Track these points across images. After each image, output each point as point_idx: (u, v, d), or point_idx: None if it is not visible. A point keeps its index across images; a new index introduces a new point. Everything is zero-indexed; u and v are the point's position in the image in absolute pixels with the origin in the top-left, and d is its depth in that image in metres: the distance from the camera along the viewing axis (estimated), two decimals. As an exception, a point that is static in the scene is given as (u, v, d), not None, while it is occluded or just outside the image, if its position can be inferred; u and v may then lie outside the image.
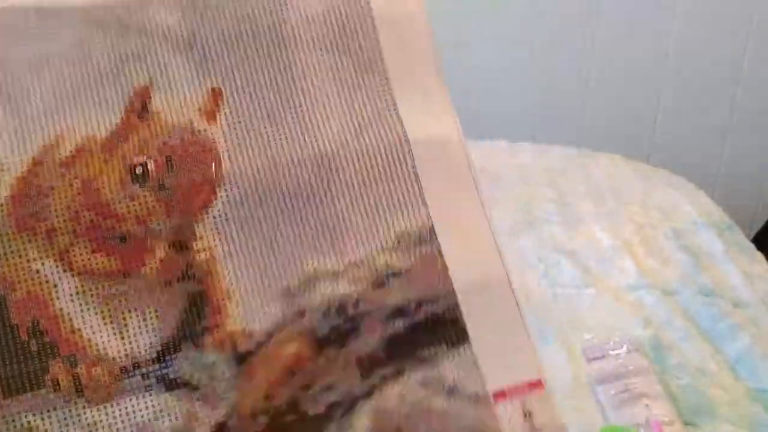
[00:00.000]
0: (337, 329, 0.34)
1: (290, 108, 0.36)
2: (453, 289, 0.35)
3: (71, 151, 0.34)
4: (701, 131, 1.39)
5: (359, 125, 0.36)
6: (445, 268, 0.36)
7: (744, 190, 1.42)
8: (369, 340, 0.34)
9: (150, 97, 0.35)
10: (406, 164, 0.36)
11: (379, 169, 0.36)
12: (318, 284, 0.34)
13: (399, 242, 0.36)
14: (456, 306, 0.35)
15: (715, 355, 0.72)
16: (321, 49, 0.36)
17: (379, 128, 0.36)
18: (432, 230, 0.36)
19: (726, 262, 0.85)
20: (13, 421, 0.31)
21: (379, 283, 0.35)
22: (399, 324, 0.34)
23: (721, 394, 0.67)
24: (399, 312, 0.35)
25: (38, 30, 0.34)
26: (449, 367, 0.35)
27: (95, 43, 0.35)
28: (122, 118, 0.34)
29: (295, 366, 0.33)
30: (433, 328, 0.35)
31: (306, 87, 0.36)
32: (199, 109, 0.35)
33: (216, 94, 0.35)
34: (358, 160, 0.36)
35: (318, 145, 0.36)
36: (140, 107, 0.35)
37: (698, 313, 0.77)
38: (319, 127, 0.36)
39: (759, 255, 0.90)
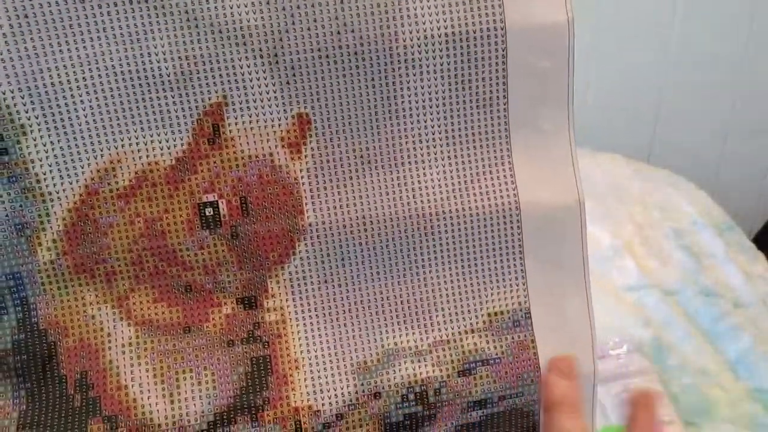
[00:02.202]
0: (413, 416, 0.30)
1: (389, 149, 0.29)
2: (539, 382, 0.31)
3: (130, 180, 0.28)
4: (701, 131, 1.39)
5: (466, 179, 0.30)
6: (536, 359, 0.31)
7: (744, 190, 1.42)
8: (442, 429, 0.30)
9: (223, 119, 0.28)
10: (513, 234, 0.30)
11: (480, 236, 0.30)
12: (398, 362, 0.30)
13: (491, 323, 0.31)
14: (537, 401, 0.31)
15: (715, 355, 0.73)
16: (435, 76, 0.29)
17: (489, 185, 0.30)
18: (528, 313, 0.31)
19: (726, 262, 0.86)
20: None
21: (466, 369, 0.30)
22: (476, 414, 0.30)
23: (721, 394, 0.68)
24: (480, 403, 0.30)
25: (84, 18, 0.27)
26: None
27: (156, 37, 0.27)
28: (189, 143, 0.28)
29: None
30: (508, 420, 0.31)
31: (410, 124, 0.29)
32: (282, 139, 0.29)
33: (303, 123, 0.29)
34: (459, 223, 0.30)
35: (416, 200, 0.30)
36: (211, 131, 0.28)
37: (698, 313, 0.78)
38: (420, 177, 0.30)
39: (759, 255, 0.90)
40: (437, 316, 0.31)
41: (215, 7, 0.27)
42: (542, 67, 0.30)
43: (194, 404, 0.29)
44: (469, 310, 0.31)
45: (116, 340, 0.29)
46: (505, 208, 0.30)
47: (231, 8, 0.27)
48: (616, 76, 1.35)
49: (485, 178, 0.30)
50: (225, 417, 0.29)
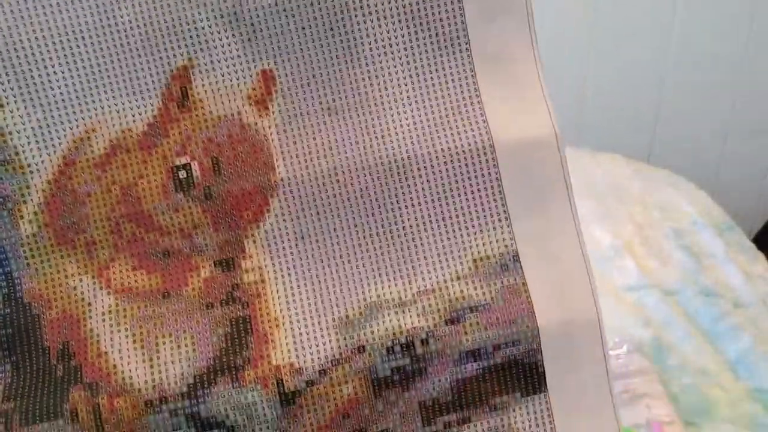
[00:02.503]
0: (401, 370, 0.29)
1: (354, 97, 0.29)
2: (537, 329, 0.29)
3: (105, 148, 0.29)
4: (701, 131, 1.39)
5: (435, 121, 0.29)
6: (530, 304, 0.29)
7: (744, 190, 1.42)
8: (435, 384, 0.29)
9: (190, 81, 0.29)
10: (490, 174, 0.29)
11: (456, 179, 0.29)
12: (382, 315, 0.29)
13: (477, 269, 0.29)
14: (538, 350, 0.29)
15: (715, 355, 0.72)
16: (393, 21, 0.29)
17: (459, 126, 0.29)
18: (516, 257, 0.30)
19: (726, 262, 0.85)
20: None
21: (453, 317, 0.29)
22: (471, 367, 0.29)
23: (721, 394, 0.67)
24: (473, 354, 0.29)
25: None
26: (521, 418, 0.29)
27: (122, 6, 0.29)
28: (160, 108, 0.29)
29: (348, 411, 0.29)
30: (508, 373, 0.29)
31: (374, 70, 0.29)
32: (249, 97, 0.29)
33: (267, 78, 0.29)
34: (432, 166, 0.29)
35: (386, 147, 0.29)
36: (180, 94, 0.29)
37: (698, 313, 0.77)
38: (388, 123, 0.29)
39: (759, 255, 0.90)
40: (420, 265, 0.30)
41: None
42: (501, 6, 0.29)
43: (174, 368, 0.29)
44: (453, 257, 0.30)
45: (96, 309, 0.29)
46: (478, 147, 0.30)
47: None
48: (616, 76, 1.35)
49: (455, 119, 0.30)
50: (205, 378, 0.28)
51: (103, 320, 0.29)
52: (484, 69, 0.30)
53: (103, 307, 0.29)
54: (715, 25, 1.31)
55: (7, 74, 0.28)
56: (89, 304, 0.29)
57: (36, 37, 0.28)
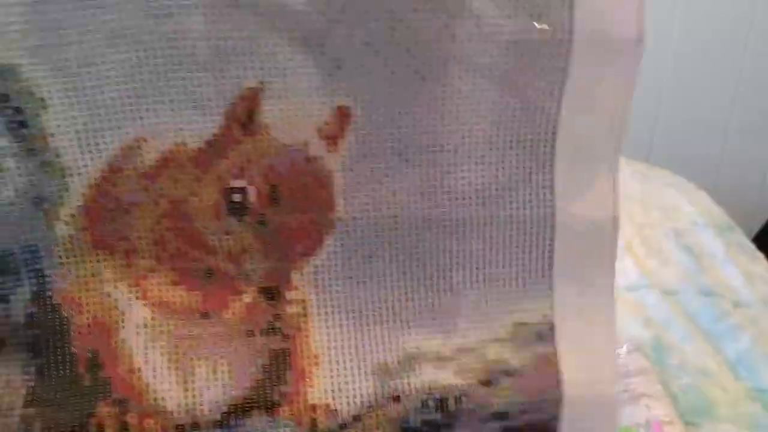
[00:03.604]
0: (431, 423, 0.29)
1: (429, 149, 0.28)
2: (562, 400, 0.30)
3: (156, 160, 0.27)
4: (701, 131, 1.40)
5: (504, 186, 0.29)
6: (559, 376, 0.30)
7: (744, 190, 1.42)
8: None
9: (259, 105, 0.27)
10: (544, 246, 0.29)
11: (511, 245, 0.29)
12: (419, 367, 0.29)
13: (515, 334, 0.30)
14: (557, 418, 0.30)
15: (715, 355, 0.73)
16: (488, 80, 0.27)
17: (525, 195, 0.29)
18: (552, 327, 0.30)
19: (726, 263, 0.86)
20: None
21: (488, 380, 0.29)
22: (494, 426, 0.30)
23: (721, 394, 0.68)
24: (500, 416, 0.30)
25: None
26: None
27: (192, 14, 0.26)
28: (222, 128, 0.27)
29: None
30: None
31: (455, 126, 0.28)
32: (319, 130, 0.27)
33: (343, 115, 0.27)
34: (491, 230, 0.29)
35: (450, 204, 0.28)
36: (246, 117, 0.27)
37: (698, 313, 0.78)
38: (457, 180, 0.28)
39: (759, 255, 0.89)
40: (461, 322, 0.30)
41: None
42: (600, 82, 0.28)
43: (209, 393, 0.28)
44: (493, 319, 0.30)
45: (131, 320, 0.28)
46: (539, 219, 0.29)
47: None
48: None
49: (523, 187, 0.29)
50: (240, 409, 0.28)
51: (137, 333, 0.28)
52: (563, 145, 0.28)
53: (137, 319, 0.28)
54: (715, 25, 1.32)
55: (53, 75, 0.26)
56: (123, 313, 0.28)
57: (89, 39, 0.26)
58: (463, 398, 0.29)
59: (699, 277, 0.85)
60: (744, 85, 1.36)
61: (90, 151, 0.27)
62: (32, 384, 0.28)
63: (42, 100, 0.26)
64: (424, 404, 0.29)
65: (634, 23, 0.27)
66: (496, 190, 0.29)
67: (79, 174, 0.27)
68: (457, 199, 0.29)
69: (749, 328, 0.76)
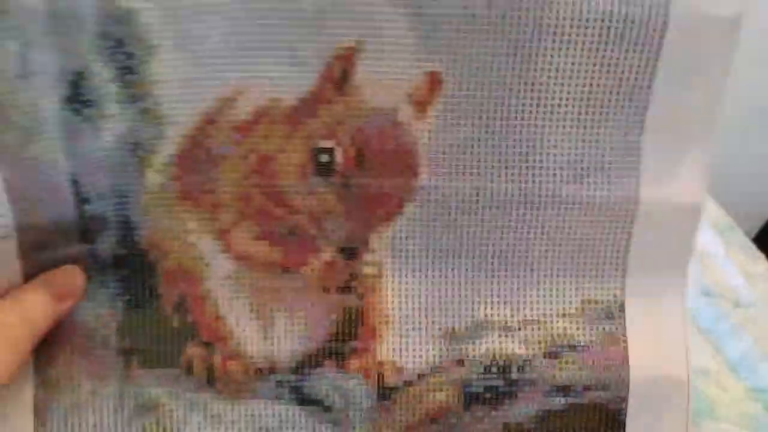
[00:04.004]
0: (494, 390, 0.30)
1: (517, 121, 0.28)
2: (628, 380, 0.30)
3: (249, 114, 0.28)
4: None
5: (590, 166, 0.28)
6: (626, 354, 0.30)
7: (744, 190, 1.45)
8: (522, 410, 0.30)
9: (354, 65, 0.27)
10: (623, 229, 0.29)
11: (590, 225, 0.29)
12: (486, 335, 0.30)
13: (583, 310, 0.30)
14: (624, 399, 0.30)
15: (715, 355, 0.74)
16: (582, 54, 0.27)
17: (611, 177, 0.28)
18: (622, 307, 0.30)
19: (727, 263, 0.87)
20: (143, 393, 0.30)
21: (552, 351, 0.30)
22: (559, 401, 0.30)
23: (721, 394, 0.69)
24: (563, 389, 0.30)
25: None
26: None
27: None
28: (316, 85, 0.27)
29: (438, 416, 0.30)
30: (592, 414, 0.31)
31: (544, 99, 0.28)
32: (409, 95, 0.28)
33: (434, 81, 0.27)
34: (572, 209, 0.29)
35: (534, 179, 0.28)
36: (340, 76, 0.27)
37: (698, 313, 0.79)
38: (542, 155, 0.28)
39: (759, 255, 0.86)
40: (531, 295, 0.30)
41: None
42: (696, 63, 0.27)
43: (286, 343, 0.30)
44: (563, 294, 0.30)
45: (216, 271, 0.29)
46: (622, 201, 0.29)
47: None
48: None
49: (609, 168, 0.28)
50: (313, 359, 0.30)
51: (222, 285, 0.29)
52: (653, 126, 0.28)
53: (223, 271, 0.29)
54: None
55: (166, 22, 0.26)
56: (207, 264, 0.29)
57: None
58: (527, 367, 0.30)
59: (699, 277, 0.86)
60: (744, 85, 1.38)
61: (189, 101, 0.27)
62: (120, 319, 0.30)
63: (152, 47, 0.26)
64: (487, 370, 0.30)
65: (732, 2, 0.27)
66: (582, 169, 0.29)
67: (176, 123, 0.28)
68: (541, 174, 0.29)
69: (749, 328, 0.77)
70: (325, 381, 0.30)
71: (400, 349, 0.30)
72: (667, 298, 0.31)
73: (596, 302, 0.30)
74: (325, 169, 0.28)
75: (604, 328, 0.30)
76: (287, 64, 0.27)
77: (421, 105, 0.28)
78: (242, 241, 0.29)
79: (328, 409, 0.30)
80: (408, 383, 0.30)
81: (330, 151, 0.28)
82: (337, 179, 0.28)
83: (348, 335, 0.30)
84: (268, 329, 0.30)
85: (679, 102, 0.28)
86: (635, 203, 0.29)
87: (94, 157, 0.28)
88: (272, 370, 0.30)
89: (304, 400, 0.30)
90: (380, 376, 0.30)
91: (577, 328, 0.30)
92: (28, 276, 0.28)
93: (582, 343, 0.30)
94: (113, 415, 0.30)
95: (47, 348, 0.29)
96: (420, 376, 0.30)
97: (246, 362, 0.30)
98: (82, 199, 0.28)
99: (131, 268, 0.29)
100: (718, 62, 0.28)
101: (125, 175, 0.28)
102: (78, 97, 0.27)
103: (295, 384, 0.30)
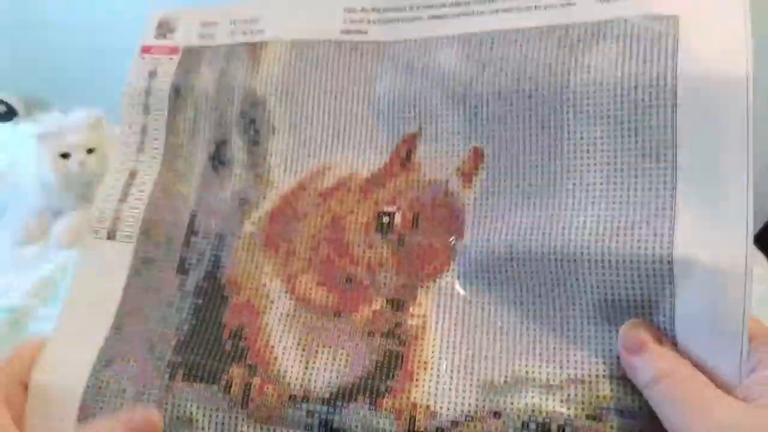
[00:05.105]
0: None
1: (549, 187, 0.31)
2: None
3: (332, 183, 0.35)
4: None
5: (620, 225, 0.30)
6: None
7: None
8: None
9: (416, 146, 0.34)
10: (663, 290, 0.29)
11: (627, 284, 0.29)
12: (526, 390, 0.29)
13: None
14: None
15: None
16: (602, 123, 0.31)
17: (643, 235, 0.29)
18: None
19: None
20: (180, 405, 0.31)
21: (597, 414, 0.28)
22: None
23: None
24: None
25: (338, 63, 0.36)
26: None
27: (379, 81, 0.35)
28: (386, 163, 0.34)
29: None
30: None
31: (572, 166, 0.31)
32: (458, 169, 0.33)
33: (477, 156, 0.33)
34: (605, 268, 0.30)
35: (565, 239, 0.30)
36: (405, 155, 0.34)
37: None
38: (573, 217, 0.31)
39: (759, 255, 0.86)
40: (575, 354, 0.30)
41: (428, 59, 0.34)
42: (714, 120, 0.29)
43: (324, 375, 0.31)
44: (609, 356, 0.29)
45: (277, 308, 0.33)
46: (656, 260, 0.29)
47: (439, 60, 0.34)
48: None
49: (640, 227, 0.29)
50: (347, 393, 0.30)
51: (279, 320, 0.33)
52: (685, 184, 0.29)
53: (282, 309, 0.33)
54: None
55: (286, 110, 0.36)
56: (272, 302, 0.33)
57: (310, 91, 0.36)
58: (567, 428, 0.28)
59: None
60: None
61: (290, 172, 0.35)
62: (182, 338, 0.33)
63: (273, 127, 0.36)
64: (525, 425, 0.28)
65: (740, 62, 0.29)
66: (612, 229, 0.30)
67: (276, 187, 0.35)
68: (571, 235, 0.30)
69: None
70: (356, 417, 0.29)
71: (436, 394, 0.30)
72: (722, 361, 0.28)
73: None
74: (385, 228, 0.33)
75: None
76: (366, 147, 0.35)
77: (467, 176, 0.33)
78: (306, 286, 0.33)
79: None
80: (440, 429, 0.29)
81: (392, 214, 0.33)
82: (394, 236, 0.33)
83: (385, 375, 0.30)
84: (310, 361, 0.31)
85: (709, 162, 0.29)
86: (669, 265, 0.28)
87: (214, 203, 0.36)
88: (306, 399, 0.30)
89: None
90: (412, 419, 0.29)
91: (626, 393, 0.28)
92: (127, 287, 0.35)
93: (631, 409, 0.28)
94: None
95: (106, 353, 0.33)
96: (453, 424, 0.29)
97: (282, 387, 0.31)
98: (193, 232, 0.35)
99: (207, 300, 0.34)
100: (737, 117, 0.29)
101: (229, 223, 0.35)
102: (219, 156, 0.37)
103: (326, 416, 0.30)
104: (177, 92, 0.38)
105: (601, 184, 0.30)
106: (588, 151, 0.31)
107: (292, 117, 0.36)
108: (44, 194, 1.07)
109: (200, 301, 0.34)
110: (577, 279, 0.30)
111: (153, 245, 0.35)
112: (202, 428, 0.31)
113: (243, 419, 0.30)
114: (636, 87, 0.30)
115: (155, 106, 0.38)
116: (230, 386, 0.31)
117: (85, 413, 0.32)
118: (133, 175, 0.37)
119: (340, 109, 0.36)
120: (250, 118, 0.37)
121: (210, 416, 0.31)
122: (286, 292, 0.33)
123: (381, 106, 0.35)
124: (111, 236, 0.36)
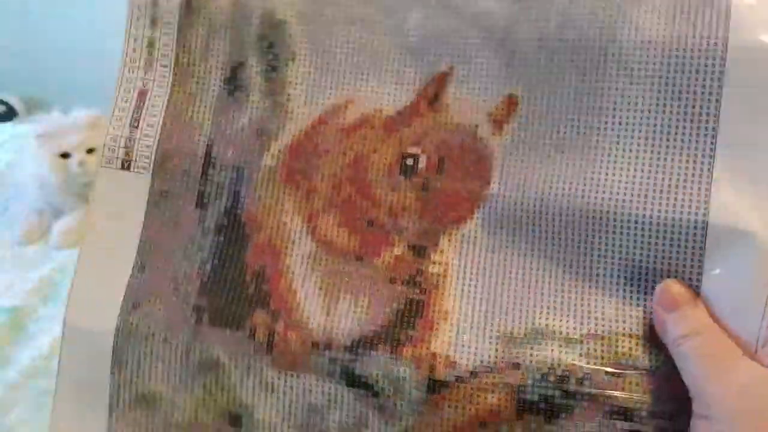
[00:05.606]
0: (549, 400, 0.29)
1: (583, 142, 0.31)
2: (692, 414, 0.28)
3: (355, 119, 0.33)
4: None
5: (655, 187, 0.29)
6: None
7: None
8: (579, 428, 0.28)
9: (445, 87, 0.32)
10: (693, 254, 0.29)
11: (657, 247, 0.29)
12: (546, 343, 0.29)
13: (651, 333, 0.29)
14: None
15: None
16: (646, 82, 0.30)
17: (678, 199, 0.29)
18: None
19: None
20: (207, 349, 0.32)
21: (616, 371, 0.29)
22: (620, 426, 0.28)
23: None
24: (624, 412, 0.28)
25: None
26: None
27: (411, 14, 0.33)
28: (413, 101, 0.33)
29: (488, 419, 0.29)
30: None
31: (611, 123, 0.30)
32: (489, 114, 0.32)
33: (511, 103, 0.32)
34: (636, 229, 0.29)
35: (598, 197, 0.30)
36: (433, 95, 0.33)
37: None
38: (608, 174, 0.30)
39: None
40: (597, 310, 0.30)
41: None
42: (761, 88, 0.28)
43: (345, 322, 0.31)
44: (631, 316, 0.29)
45: (298, 249, 0.33)
46: (690, 225, 0.29)
47: None
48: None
49: (676, 191, 0.29)
50: (369, 341, 0.31)
51: (301, 262, 0.32)
52: (724, 152, 0.29)
53: (304, 250, 0.32)
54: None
55: (306, 34, 0.34)
56: (293, 242, 0.33)
57: (335, 17, 0.33)
58: (586, 381, 0.29)
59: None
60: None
61: (311, 102, 0.34)
62: (205, 278, 0.33)
63: (293, 53, 0.34)
64: (544, 377, 0.29)
65: None
66: (647, 191, 0.29)
67: (296, 118, 0.34)
68: (605, 193, 0.30)
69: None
70: (376, 364, 0.30)
71: (455, 344, 0.30)
72: (744, 323, 0.28)
73: None
74: (409, 171, 0.32)
75: (670, 354, 0.28)
76: (393, 82, 0.33)
77: (498, 123, 0.32)
78: (326, 226, 0.33)
79: (376, 394, 0.30)
80: (459, 379, 0.29)
81: (416, 156, 0.32)
82: (418, 180, 0.32)
83: (406, 324, 0.31)
84: (332, 307, 0.31)
85: (751, 133, 0.29)
86: (703, 231, 0.29)
87: (230, 132, 0.34)
88: (328, 346, 0.31)
89: (354, 381, 0.30)
90: (432, 368, 0.30)
91: (644, 351, 0.29)
92: (146, 221, 0.34)
93: (648, 367, 0.29)
94: (180, 367, 0.32)
95: (133, 294, 0.33)
96: (472, 374, 0.29)
97: (305, 334, 0.31)
98: (210, 163, 0.34)
99: (228, 237, 0.33)
100: None
101: (247, 154, 0.34)
102: (234, 80, 0.35)
103: (348, 363, 0.30)
104: (188, 5, 0.35)
105: (639, 143, 0.30)
106: (628, 110, 0.30)
107: (314, 44, 0.34)
108: (44, 194, 1.07)
109: (222, 239, 0.33)
110: (607, 237, 0.30)
111: (169, 177, 0.34)
112: (229, 371, 0.31)
113: (268, 364, 0.31)
114: (684, 50, 0.29)
115: (164, 19, 0.35)
116: (255, 332, 0.31)
117: (118, 358, 0.33)
118: (142, 95, 0.35)
119: (367, 39, 0.33)
120: (269, 41, 0.34)
121: (237, 360, 0.31)
122: (308, 232, 0.33)
123: (411, 41, 0.33)
124: (125, 166, 0.35)
